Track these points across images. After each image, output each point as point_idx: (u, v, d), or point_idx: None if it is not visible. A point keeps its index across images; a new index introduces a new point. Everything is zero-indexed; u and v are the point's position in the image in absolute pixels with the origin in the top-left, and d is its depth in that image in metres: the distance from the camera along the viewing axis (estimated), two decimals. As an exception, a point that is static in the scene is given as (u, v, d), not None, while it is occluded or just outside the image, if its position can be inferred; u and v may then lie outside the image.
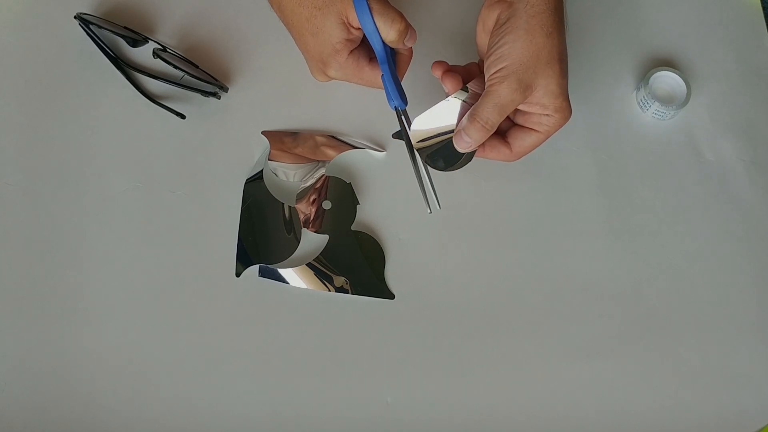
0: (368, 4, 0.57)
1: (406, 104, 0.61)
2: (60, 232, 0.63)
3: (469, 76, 0.61)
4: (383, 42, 0.59)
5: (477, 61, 0.63)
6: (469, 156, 0.61)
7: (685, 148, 0.69)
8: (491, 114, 0.58)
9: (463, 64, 0.62)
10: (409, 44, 0.60)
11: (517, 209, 0.66)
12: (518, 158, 0.62)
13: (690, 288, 0.65)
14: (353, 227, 0.65)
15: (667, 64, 0.71)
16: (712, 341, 0.64)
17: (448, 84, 0.60)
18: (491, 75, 0.58)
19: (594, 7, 0.73)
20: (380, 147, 0.67)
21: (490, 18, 0.59)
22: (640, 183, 0.68)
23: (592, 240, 0.66)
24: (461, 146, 0.60)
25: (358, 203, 0.65)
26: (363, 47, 0.62)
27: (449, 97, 0.60)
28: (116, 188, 0.64)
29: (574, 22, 0.73)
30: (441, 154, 0.61)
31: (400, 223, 0.65)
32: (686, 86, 0.69)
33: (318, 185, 0.65)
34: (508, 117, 0.61)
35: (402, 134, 0.61)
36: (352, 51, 0.61)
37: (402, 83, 0.62)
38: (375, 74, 0.62)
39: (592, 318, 0.64)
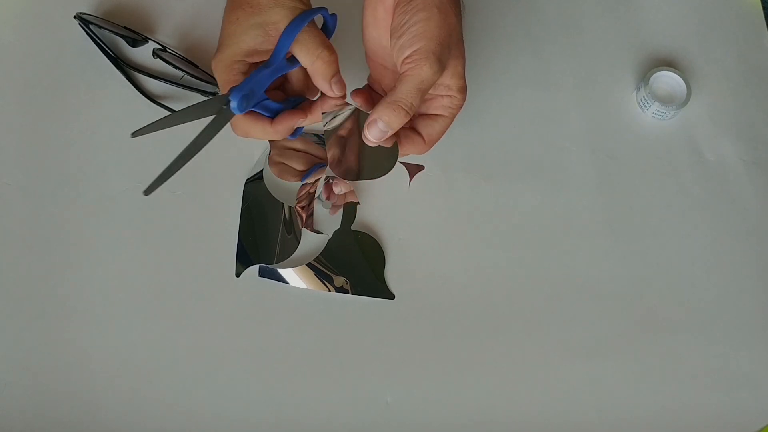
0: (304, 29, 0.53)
1: (242, 112, 0.53)
2: (60, 232, 0.63)
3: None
4: (285, 57, 0.54)
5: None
6: (390, 158, 0.57)
7: (685, 148, 0.69)
8: (414, 98, 0.53)
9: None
10: (335, 90, 0.55)
11: (517, 209, 0.66)
12: (430, 147, 0.58)
13: (690, 288, 0.65)
14: (353, 227, 0.65)
15: (667, 64, 0.71)
16: (712, 341, 0.64)
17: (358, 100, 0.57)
18: (408, 56, 0.53)
19: (594, 7, 0.73)
20: (380, 147, 0.67)
21: (385, 2, 0.55)
22: (640, 183, 0.68)
23: (592, 240, 0.66)
24: (376, 136, 0.55)
25: (358, 203, 0.65)
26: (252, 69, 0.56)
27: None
28: (116, 188, 0.64)
29: (573, 22, 0.73)
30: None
31: (400, 223, 0.65)
32: (686, 86, 0.69)
33: (315, 185, 0.65)
34: None
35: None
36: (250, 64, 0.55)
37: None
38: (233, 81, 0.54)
39: (592, 318, 0.64)
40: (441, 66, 0.53)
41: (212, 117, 0.53)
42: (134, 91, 0.66)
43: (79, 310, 0.61)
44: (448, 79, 0.56)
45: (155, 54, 0.65)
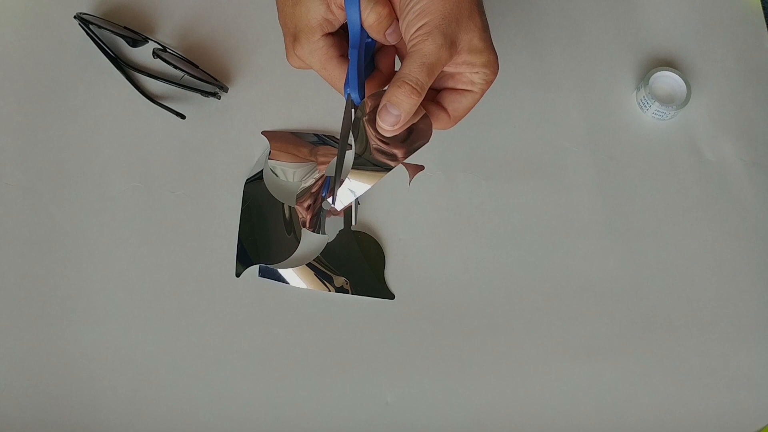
0: None
1: (362, 99, 0.55)
2: (60, 232, 0.63)
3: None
4: (361, 25, 0.54)
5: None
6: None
7: (685, 148, 0.69)
8: (420, 74, 0.51)
9: None
10: (390, 39, 0.54)
11: (517, 209, 0.66)
12: (455, 123, 0.55)
13: (690, 288, 0.65)
14: (353, 227, 0.65)
15: (667, 64, 0.71)
16: (712, 341, 0.64)
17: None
18: (413, 34, 0.51)
19: (594, 7, 0.73)
20: (380, 147, 0.67)
21: None
22: (640, 183, 0.68)
23: (592, 240, 0.66)
24: (390, 122, 0.52)
25: (359, 203, 0.65)
26: (339, 40, 0.57)
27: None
28: (116, 188, 0.64)
29: (573, 22, 0.73)
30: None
31: (400, 223, 0.65)
32: (686, 86, 0.69)
33: (318, 185, 0.65)
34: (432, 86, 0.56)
35: (344, 129, 0.55)
36: (327, 35, 0.56)
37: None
38: (339, 73, 0.56)
39: (592, 318, 0.64)
40: (447, 40, 0.51)
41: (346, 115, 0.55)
42: (134, 91, 0.66)
43: (79, 310, 0.61)
44: (467, 56, 0.53)
45: (155, 54, 0.65)
